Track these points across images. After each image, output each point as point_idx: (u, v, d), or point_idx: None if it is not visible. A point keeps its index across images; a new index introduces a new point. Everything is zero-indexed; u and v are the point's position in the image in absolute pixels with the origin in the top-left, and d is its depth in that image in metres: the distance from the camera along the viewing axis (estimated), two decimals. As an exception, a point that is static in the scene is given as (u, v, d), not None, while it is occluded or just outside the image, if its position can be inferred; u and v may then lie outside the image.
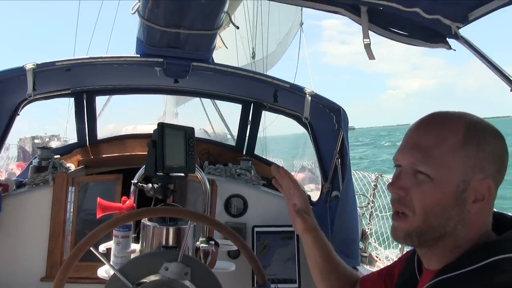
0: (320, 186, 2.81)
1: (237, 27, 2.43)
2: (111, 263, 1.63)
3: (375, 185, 5.08)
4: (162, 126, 1.52)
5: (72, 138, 3.38)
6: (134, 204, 1.76)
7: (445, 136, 0.92)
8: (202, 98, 6.00)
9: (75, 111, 2.99)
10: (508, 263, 0.82)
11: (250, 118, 3.14)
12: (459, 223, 0.91)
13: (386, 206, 4.66)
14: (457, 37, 1.56)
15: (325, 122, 2.51)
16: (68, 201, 2.44)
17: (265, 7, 7.15)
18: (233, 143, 3.46)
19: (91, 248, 1.29)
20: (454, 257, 0.92)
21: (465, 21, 1.49)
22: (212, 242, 1.68)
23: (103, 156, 3.06)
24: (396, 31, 1.69)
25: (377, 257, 3.48)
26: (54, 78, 2.47)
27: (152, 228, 1.51)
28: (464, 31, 1.56)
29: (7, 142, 2.87)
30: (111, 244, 1.66)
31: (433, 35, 1.65)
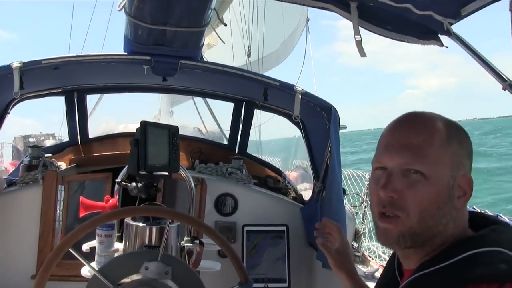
0: (312, 185, 2.80)
1: (225, 24, 2.42)
2: (95, 262, 1.63)
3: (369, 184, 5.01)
4: (144, 124, 1.51)
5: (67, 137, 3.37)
6: (118, 203, 1.75)
7: (432, 134, 0.92)
8: (195, 98, 5.97)
9: (66, 110, 2.97)
10: (483, 257, 0.83)
11: (242, 117, 3.12)
12: (450, 220, 0.91)
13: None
14: (449, 33, 1.54)
15: (317, 121, 2.50)
16: (58, 200, 2.44)
17: (261, 4, 7.09)
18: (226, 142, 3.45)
19: (70, 249, 1.28)
20: (434, 254, 0.91)
21: (458, 16, 1.48)
22: (197, 242, 1.67)
23: (95, 155, 3.05)
24: (387, 27, 1.68)
25: (369, 257, 3.47)
26: (42, 77, 2.45)
27: (135, 228, 1.51)
28: (456, 28, 1.55)
29: (1, 141, 2.87)
30: (94, 243, 1.65)
31: (424, 31, 1.64)
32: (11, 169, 4.26)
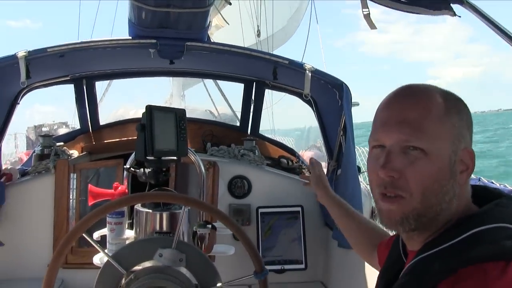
0: (327, 164, 2.75)
1: (230, 3, 2.34)
2: (106, 250, 1.61)
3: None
4: (150, 108, 1.47)
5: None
6: (127, 190, 1.73)
7: (429, 107, 0.87)
8: (206, 80, 5.93)
9: (75, 98, 2.97)
10: (487, 234, 0.79)
11: (253, 97, 3.07)
12: (453, 197, 0.86)
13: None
14: (462, 1, 1.45)
15: (328, 98, 2.44)
16: (71, 188, 2.44)
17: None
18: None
19: (84, 235, 1.26)
20: (437, 235, 0.87)
21: None
22: (209, 226, 1.64)
23: (106, 142, 3.04)
24: (396, -1, 1.60)
25: (387, 234, 3.43)
26: (49, 65, 2.43)
27: (145, 214, 1.49)
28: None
29: (15, 131, 2.88)
30: (105, 231, 1.64)
31: (435, 1, 1.55)
32: (25, 158, 4.31)
